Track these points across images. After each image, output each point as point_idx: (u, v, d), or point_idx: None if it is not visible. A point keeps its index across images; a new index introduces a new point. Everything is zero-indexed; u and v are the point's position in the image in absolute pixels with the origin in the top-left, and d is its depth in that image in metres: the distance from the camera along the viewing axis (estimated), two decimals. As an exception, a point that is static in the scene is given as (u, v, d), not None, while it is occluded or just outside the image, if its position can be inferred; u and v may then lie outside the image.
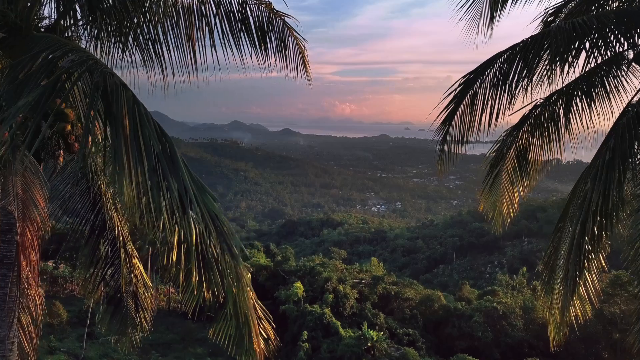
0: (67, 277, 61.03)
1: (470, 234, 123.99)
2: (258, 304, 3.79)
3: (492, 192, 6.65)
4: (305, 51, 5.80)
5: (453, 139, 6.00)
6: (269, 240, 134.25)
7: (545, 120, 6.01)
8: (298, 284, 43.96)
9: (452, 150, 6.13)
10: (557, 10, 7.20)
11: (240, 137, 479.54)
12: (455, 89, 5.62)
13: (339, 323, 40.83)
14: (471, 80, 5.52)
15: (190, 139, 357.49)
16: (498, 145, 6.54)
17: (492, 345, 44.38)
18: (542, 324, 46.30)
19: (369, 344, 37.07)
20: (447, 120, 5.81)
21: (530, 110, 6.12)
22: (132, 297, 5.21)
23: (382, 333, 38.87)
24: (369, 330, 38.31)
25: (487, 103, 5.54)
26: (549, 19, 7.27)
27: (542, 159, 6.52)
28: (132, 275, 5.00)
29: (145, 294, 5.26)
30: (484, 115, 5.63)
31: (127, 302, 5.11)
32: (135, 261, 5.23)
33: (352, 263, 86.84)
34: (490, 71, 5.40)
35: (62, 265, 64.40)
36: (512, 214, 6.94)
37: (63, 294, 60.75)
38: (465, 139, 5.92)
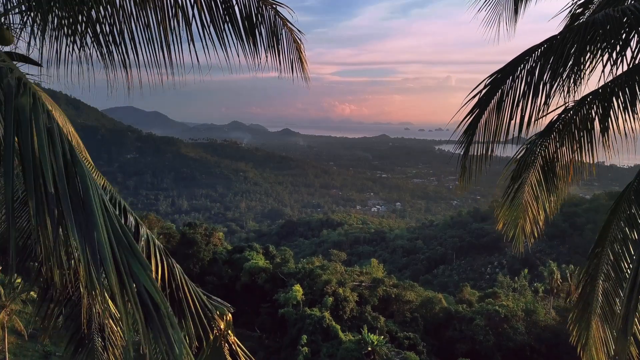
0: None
1: (470, 234, 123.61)
2: (241, 350, 3.15)
3: (513, 207, 5.85)
4: (301, 45, 4.98)
5: (475, 151, 5.17)
6: (269, 241, 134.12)
7: (576, 126, 5.24)
8: (297, 287, 43.35)
9: (477, 153, 5.22)
10: (587, 1, 6.48)
11: (240, 137, 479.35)
12: (481, 91, 4.83)
13: (338, 327, 40.25)
14: (499, 80, 4.74)
15: (190, 139, 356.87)
16: (521, 154, 5.74)
17: (493, 349, 43.85)
18: (545, 327, 45.77)
19: (369, 348, 36.40)
20: (471, 129, 4.99)
21: (559, 115, 5.34)
22: (97, 333, 4.52)
23: (382, 337, 38.22)
24: (369, 334, 37.64)
25: (518, 107, 4.74)
26: (577, 11, 6.57)
27: (572, 171, 5.72)
28: (96, 309, 4.27)
29: (114, 327, 4.54)
30: (512, 121, 4.83)
31: (92, 338, 4.42)
32: (99, 292, 4.40)
33: (352, 264, 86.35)
34: (522, 69, 4.63)
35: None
36: (536, 234, 6.11)
37: (59, 296, 60.31)
38: (490, 151, 5.08)
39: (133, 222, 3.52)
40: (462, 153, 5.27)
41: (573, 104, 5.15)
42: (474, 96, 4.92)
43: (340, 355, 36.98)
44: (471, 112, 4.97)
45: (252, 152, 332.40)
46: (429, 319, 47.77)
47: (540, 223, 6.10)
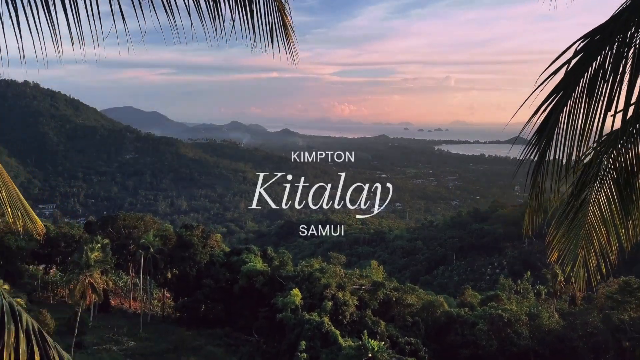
0: (58, 282, 59.42)
1: (470, 235, 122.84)
2: None
3: (572, 233, 4.34)
4: (284, 5, 3.51)
5: (551, 156, 3.46)
6: (268, 241, 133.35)
7: None
8: (295, 291, 42.37)
9: (555, 158, 3.46)
10: None
11: (239, 137, 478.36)
12: (568, 62, 3.14)
13: (338, 332, 39.31)
14: (595, 45, 3.08)
15: (189, 139, 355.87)
16: (585, 162, 4.10)
17: (497, 354, 43.01)
18: (548, 331, 44.82)
19: (370, 355, 35.41)
20: (549, 127, 3.32)
21: None
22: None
23: (383, 343, 37.23)
24: (370, 339, 36.64)
25: (620, 88, 3.07)
26: None
27: None
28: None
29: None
30: (610, 112, 3.14)
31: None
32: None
33: (351, 264, 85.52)
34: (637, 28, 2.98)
35: (52, 270, 62.80)
36: (604, 269, 4.46)
37: (54, 299, 59.15)
38: (577, 159, 3.39)
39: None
40: (533, 169, 3.57)
41: None
42: (556, 70, 3.23)
43: (340, 361, 36.04)
44: (552, 95, 3.29)
45: (251, 152, 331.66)
46: (430, 323, 46.90)
47: (612, 256, 4.45)
